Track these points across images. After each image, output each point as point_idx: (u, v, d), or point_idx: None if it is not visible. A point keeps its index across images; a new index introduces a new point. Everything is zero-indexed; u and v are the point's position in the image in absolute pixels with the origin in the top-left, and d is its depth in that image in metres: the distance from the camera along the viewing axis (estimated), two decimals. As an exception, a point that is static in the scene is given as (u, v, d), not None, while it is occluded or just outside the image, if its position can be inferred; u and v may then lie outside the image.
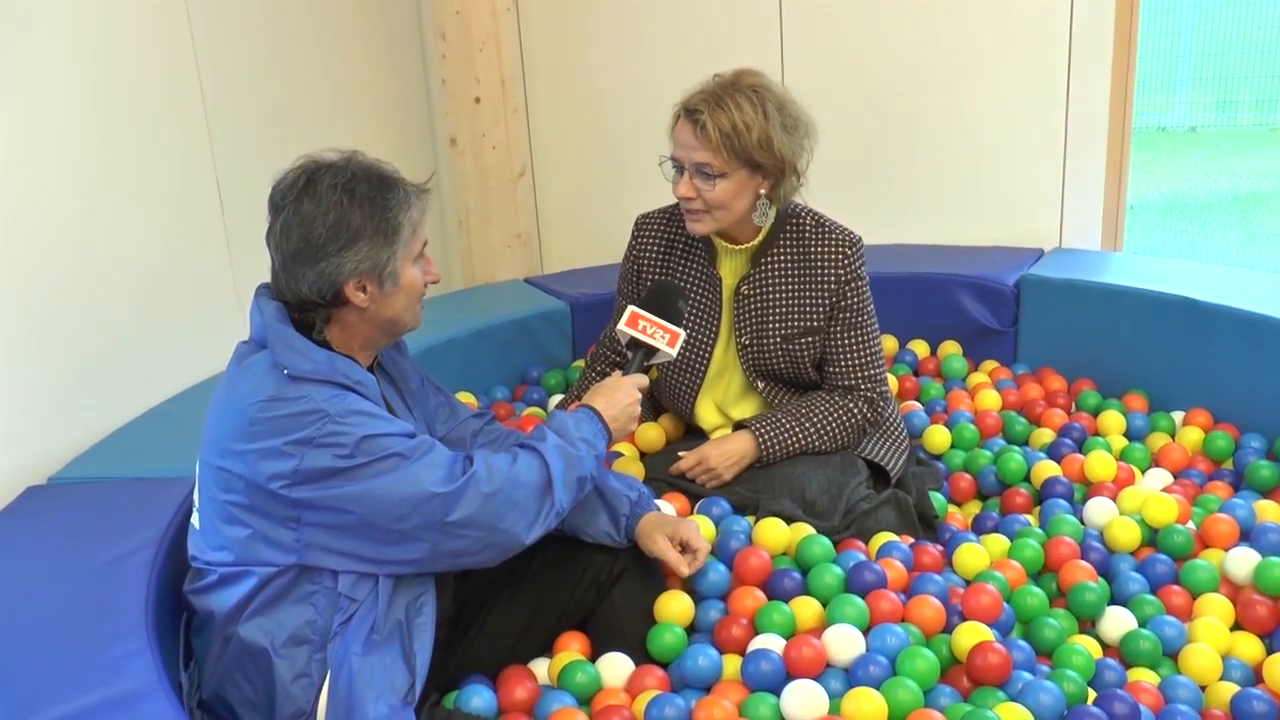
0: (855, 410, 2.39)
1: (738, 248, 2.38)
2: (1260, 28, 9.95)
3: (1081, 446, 2.71)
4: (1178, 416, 2.84)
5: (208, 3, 2.71)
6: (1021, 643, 1.93)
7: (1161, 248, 6.19)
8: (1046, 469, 2.57)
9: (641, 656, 1.95)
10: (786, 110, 2.26)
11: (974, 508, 2.61)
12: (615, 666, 1.91)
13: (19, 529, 1.96)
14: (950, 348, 3.20)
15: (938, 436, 2.75)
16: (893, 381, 2.98)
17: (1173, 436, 2.78)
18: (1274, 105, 9.70)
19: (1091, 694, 1.83)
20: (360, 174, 1.70)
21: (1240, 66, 9.92)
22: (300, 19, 3.15)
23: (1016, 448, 2.68)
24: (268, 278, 1.76)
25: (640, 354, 2.10)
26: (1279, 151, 8.64)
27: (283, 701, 1.68)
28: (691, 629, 2.02)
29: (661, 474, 2.40)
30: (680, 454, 2.37)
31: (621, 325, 2.10)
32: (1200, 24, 10.24)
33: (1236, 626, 2.06)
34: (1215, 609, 2.06)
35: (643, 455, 2.52)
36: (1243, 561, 2.12)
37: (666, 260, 2.46)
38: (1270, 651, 1.99)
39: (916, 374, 3.15)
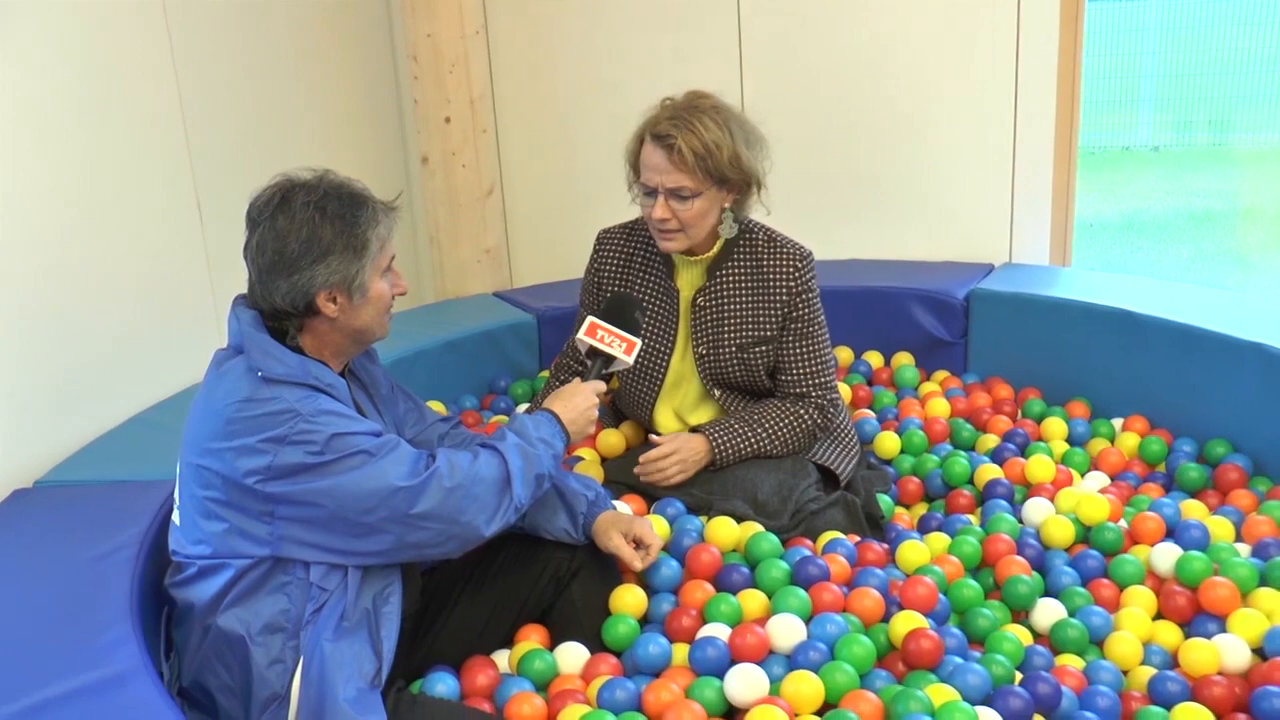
0: (806, 416, 2.51)
1: (694, 259, 2.50)
2: (1216, 49, 10.16)
3: (1024, 451, 2.83)
4: (1117, 423, 2.97)
5: (188, 24, 2.81)
6: (955, 630, 2.05)
7: (1117, 264, 6.35)
8: (989, 472, 2.69)
9: (597, 647, 2.06)
10: (746, 126, 2.38)
11: (921, 509, 2.73)
12: (572, 655, 2.02)
13: (6, 530, 2.06)
14: (903, 358, 3.33)
15: (888, 442, 2.88)
16: (847, 391, 3.10)
17: (1112, 442, 2.91)
18: (1230, 126, 9.91)
19: (1019, 676, 1.96)
20: (331, 192, 1.81)
21: (1199, 88, 10.14)
22: (278, 39, 3.25)
23: (962, 452, 2.81)
24: (245, 290, 1.86)
25: (599, 362, 2.22)
26: (1231, 171, 8.85)
27: (258, 686, 1.77)
28: (645, 621, 2.13)
29: (621, 477, 2.51)
30: (641, 459, 2.46)
31: (581, 335, 2.22)
32: (1163, 46, 10.44)
33: (1159, 616, 2.19)
34: (1140, 600, 2.19)
35: (603, 460, 2.63)
36: (1166, 556, 2.25)
37: (626, 273, 2.58)
38: (1188, 638, 2.11)
39: (870, 383, 3.27)
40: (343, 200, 1.81)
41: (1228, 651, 2.00)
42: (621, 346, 2.21)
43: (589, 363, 2.23)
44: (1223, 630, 2.09)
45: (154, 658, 1.75)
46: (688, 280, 2.53)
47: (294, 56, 3.34)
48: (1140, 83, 10.38)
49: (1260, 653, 2.03)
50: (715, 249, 2.48)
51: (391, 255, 1.89)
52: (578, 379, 2.18)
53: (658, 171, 2.32)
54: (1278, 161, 9.03)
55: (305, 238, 1.77)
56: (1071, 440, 2.93)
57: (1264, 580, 2.17)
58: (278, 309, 1.81)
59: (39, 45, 2.38)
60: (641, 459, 2.44)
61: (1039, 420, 3.02)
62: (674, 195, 2.33)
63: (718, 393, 2.55)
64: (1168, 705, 1.90)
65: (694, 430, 2.51)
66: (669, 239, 2.39)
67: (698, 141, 2.29)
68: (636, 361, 2.53)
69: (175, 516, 1.86)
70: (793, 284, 2.48)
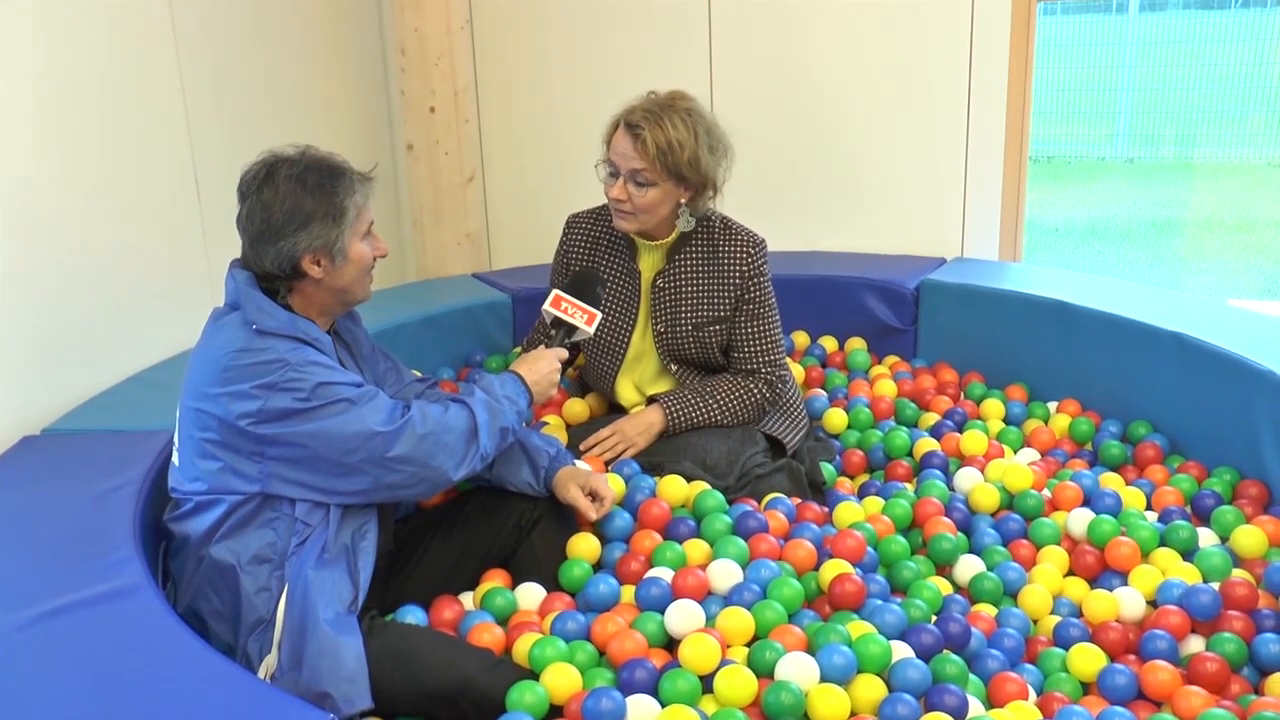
0: (755, 391, 2.70)
1: (655, 244, 2.69)
2: (1189, 66, 10.41)
3: (961, 428, 3.03)
4: (1052, 405, 3.17)
5: (191, 13, 3.00)
6: (879, 577, 2.25)
7: (1077, 266, 6.61)
8: (927, 445, 2.89)
9: (554, 588, 2.25)
10: (713, 133, 2.58)
11: (863, 479, 2.93)
12: (530, 593, 2.21)
13: (17, 471, 2.24)
14: (856, 343, 3.52)
15: (836, 418, 3.08)
16: (800, 371, 3.30)
17: (1046, 422, 3.12)
18: (1194, 140, 10.18)
19: (934, 620, 2.16)
20: (312, 165, 2.00)
21: (1170, 103, 10.40)
22: (275, 31, 3.43)
23: (904, 428, 3.01)
24: (238, 257, 2.06)
25: (562, 331, 2.42)
26: (1195, 183, 9.13)
27: (247, 611, 1.96)
28: (598, 566, 2.32)
29: (583, 443, 2.70)
30: (583, 443, 2.63)
31: (546, 305, 2.42)
32: (1141, 60, 10.67)
33: (1071, 574, 2.40)
34: (1053, 558, 2.40)
35: (568, 427, 2.83)
36: (1080, 520, 2.46)
37: (592, 255, 2.78)
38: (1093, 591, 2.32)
39: (824, 366, 3.46)
40: (322, 172, 2.00)
41: (1125, 601, 2.21)
42: (583, 318, 2.41)
43: (553, 332, 2.43)
44: (1124, 584, 2.30)
45: (154, 581, 1.94)
46: (649, 263, 2.73)
47: (290, 46, 3.52)
48: (1117, 95, 10.61)
49: (1154, 603, 2.24)
50: (674, 235, 2.68)
51: (370, 221, 2.08)
52: (542, 345, 2.38)
53: (621, 155, 2.52)
54: (1237, 175, 9.30)
55: (289, 208, 1.96)
56: (1008, 420, 3.13)
57: (1163, 541, 2.38)
58: (268, 272, 2.00)
59: (50, 31, 2.57)
60: (585, 442, 2.62)
61: (979, 402, 3.21)
62: (632, 179, 2.52)
63: (674, 368, 2.74)
64: (1067, 647, 2.10)
65: (650, 400, 2.71)
66: (623, 219, 2.59)
67: (663, 137, 2.48)
68: (600, 338, 2.73)
69: (174, 457, 2.05)
70: (746, 268, 2.68)
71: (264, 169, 2.00)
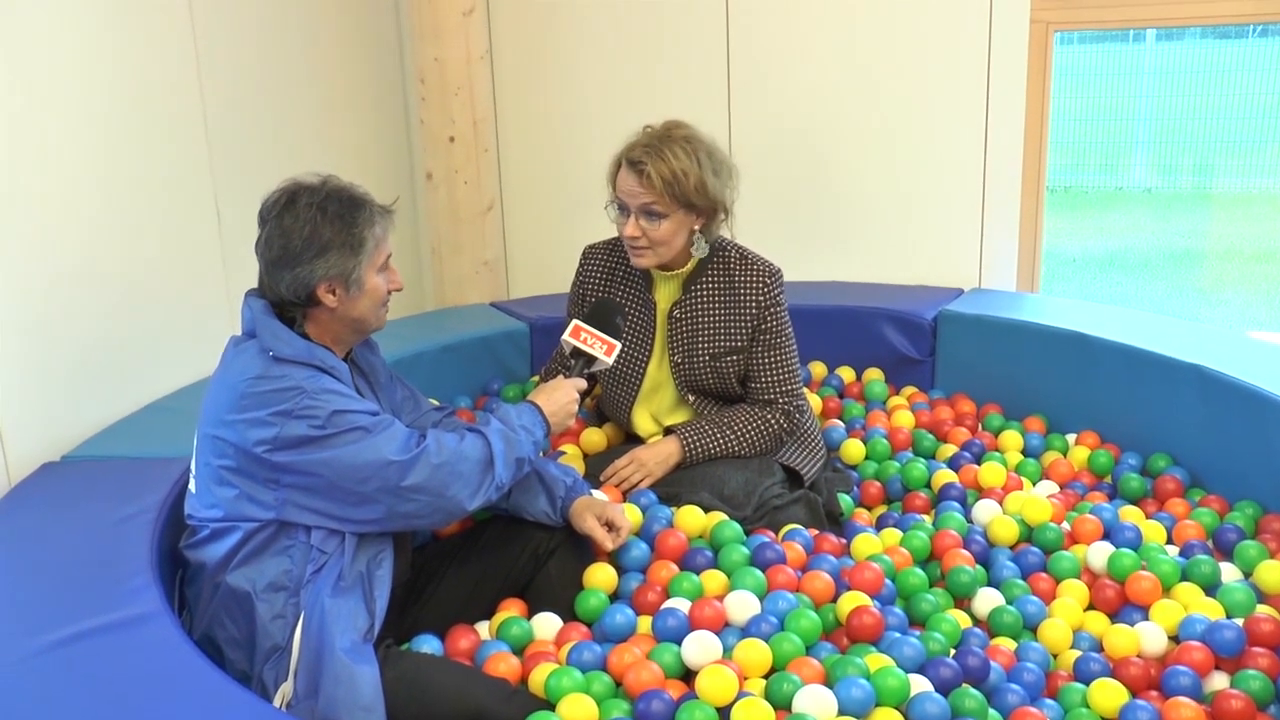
0: (773, 421, 2.70)
1: (671, 274, 2.70)
2: (1206, 96, 10.40)
3: (980, 460, 3.01)
4: (1070, 438, 3.16)
5: (213, 40, 3.03)
6: (897, 610, 2.24)
7: (1095, 297, 6.58)
8: (945, 476, 2.87)
9: (570, 618, 2.24)
10: (715, 156, 2.59)
11: (880, 510, 2.91)
12: (546, 623, 2.20)
13: (37, 497, 2.26)
14: (873, 374, 3.51)
15: (853, 449, 3.07)
16: (818, 401, 3.29)
17: (1064, 454, 3.10)
18: (1213, 170, 10.16)
19: (953, 653, 2.14)
20: (333, 194, 2.02)
21: (1187, 133, 10.39)
22: (296, 59, 3.46)
23: (921, 459, 2.99)
24: (255, 284, 2.07)
25: (581, 361, 2.42)
26: (1213, 213, 9.11)
27: (262, 638, 1.96)
28: (615, 596, 2.31)
29: (600, 473, 2.70)
30: (604, 473, 2.63)
31: (565, 336, 2.42)
32: (1159, 90, 10.66)
33: (1091, 608, 2.37)
34: (1073, 592, 2.37)
35: (586, 456, 2.82)
36: (1100, 553, 2.44)
37: (608, 285, 2.78)
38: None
39: (842, 396, 3.45)
40: (342, 202, 2.01)
41: (1147, 637, 2.19)
42: (603, 348, 2.41)
43: (572, 362, 2.43)
44: (1145, 619, 2.27)
45: (170, 608, 1.94)
46: (665, 294, 2.73)
47: (310, 75, 3.55)
48: (1134, 125, 10.60)
49: (1176, 639, 2.22)
50: (690, 265, 2.68)
51: (388, 254, 2.09)
52: (560, 375, 2.39)
53: (630, 194, 2.53)
54: (1256, 205, 9.28)
55: (307, 235, 1.97)
56: (1026, 452, 3.11)
57: (1185, 576, 2.36)
58: (283, 299, 2.01)
59: (73, 59, 2.60)
60: (605, 472, 2.62)
61: (997, 433, 3.20)
62: (644, 215, 2.53)
63: (691, 398, 2.73)
64: (1088, 682, 2.08)
65: (667, 430, 2.70)
66: (639, 255, 2.60)
67: (666, 169, 2.49)
68: (616, 368, 2.73)
69: (191, 484, 2.06)
70: (762, 298, 2.68)
71: (285, 195, 2.01)
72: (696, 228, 2.60)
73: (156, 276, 2.86)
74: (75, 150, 2.60)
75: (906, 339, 3.50)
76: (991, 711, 1.96)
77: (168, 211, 2.90)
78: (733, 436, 2.65)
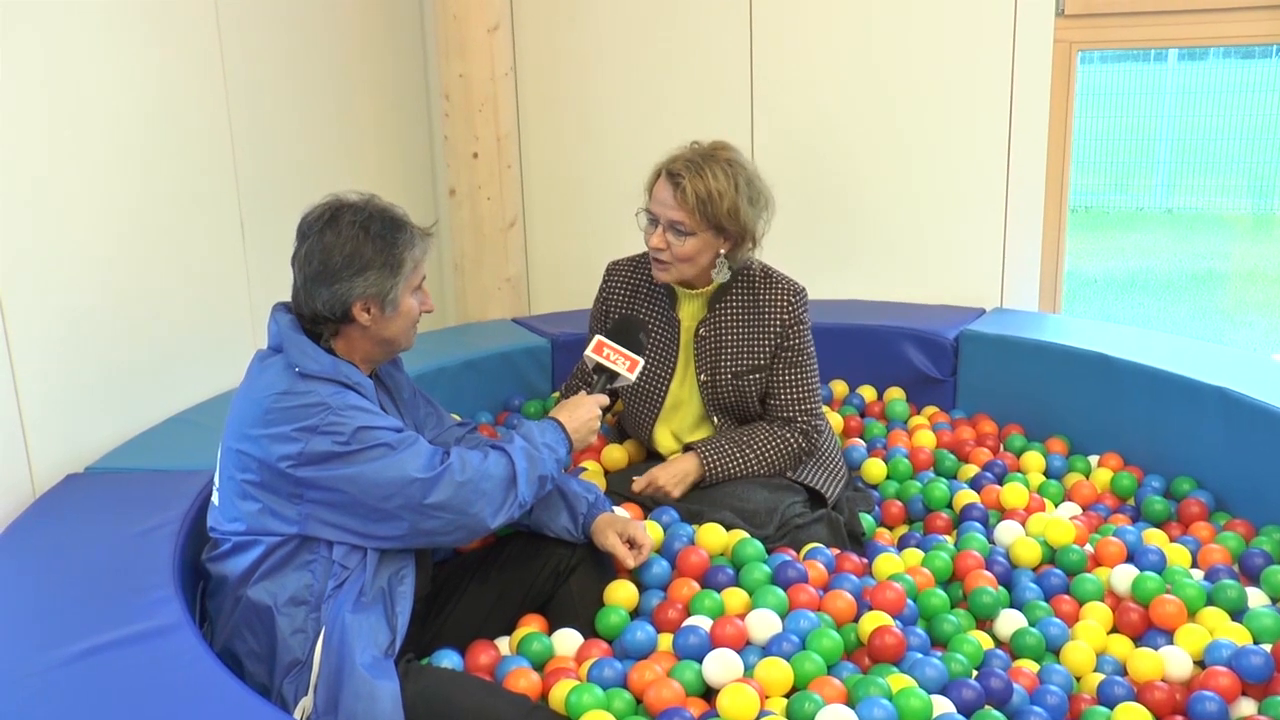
0: (792, 440, 2.69)
1: (695, 292, 2.70)
2: (1228, 116, 10.37)
3: (1002, 480, 3.00)
4: (1093, 459, 3.14)
5: (240, 59, 3.06)
6: (919, 630, 2.23)
7: (1117, 318, 6.55)
8: (966, 497, 2.86)
9: (591, 635, 2.23)
10: (754, 185, 2.58)
11: (902, 530, 2.90)
12: (567, 640, 2.20)
13: (62, 507, 2.27)
14: (895, 393, 3.51)
15: (875, 469, 3.06)
16: (839, 421, 3.28)
17: (1087, 476, 3.08)
18: (1234, 190, 10.12)
19: (975, 674, 2.13)
20: (376, 214, 2.03)
21: (1209, 152, 10.34)
22: (322, 76, 3.49)
23: (943, 479, 2.98)
24: (283, 300, 2.08)
25: (604, 378, 2.42)
26: (1236, 234, 9.06)
27: (283, 652, 1.96)
28: (635, 614, 2.31)
29: (621, 489, 2.69)
30: (635, 477, 2.66)
31: (588, 352, 2.42)
32: (1181, 110, 10.63)
33: (1115, 631, 2.36)
34: (1097, 614, 2.36)
35: (607, 473, 2.82)
36: (1124, 576, 2.42)
37: (632, 302, 2.78)
38: (1137, 649, 2.28)
39: (863, 415, 3.45)
40: (385, 222, 2.02)
41: (1171, 661, 2.17)
42: (625, 364, 2.41)
43: (595, 378, 2.43)
44: (1170, 643, 2.25)
45: (192, 620, 1.94)
46: (689, 311, 2.73)
47: (336, 91, 3.57)
48: (1156, 145, 10.58)
49: (1202, 664, 2.20)
50: (713, 285, 2.68)
51: (423, 276, 2.11)
52: (583, 391, 2.39)
53: (662, 204, 2.53)
54: (1279, 228, 9.24)
55: (349, 252, 1.98)
56: (1048, 473, 3.09)
57: (1210, 600, 2.34)
58: (317, 314, 2.02)
59: (100, 74, 2.62)
60: (634, 484, 2.62)
61: (1019, 454, 3.18)
62: (672, 228, 2.53)
63: (716, 419, 2.73)
64: (1112, 706, 2.06)
65: (687, 448, 2.70)
66: (661, 269, 2.60)
67: (703, 187, 2.49)
68: (638, 385, 2.73)
69: (214, 497, 2.07)
70: (786, 316, 2.68)
71: (329, 211, 2.02)
72: (722, 251, 2.60)
73: (181, 290, 2.88)
74: (105, 167, 2.63)
75: (928, 358, 3.48)
76: (1014, 734, 1.95)
77: (193, 226, 2.92)
78: (751, 455, 2.65)
